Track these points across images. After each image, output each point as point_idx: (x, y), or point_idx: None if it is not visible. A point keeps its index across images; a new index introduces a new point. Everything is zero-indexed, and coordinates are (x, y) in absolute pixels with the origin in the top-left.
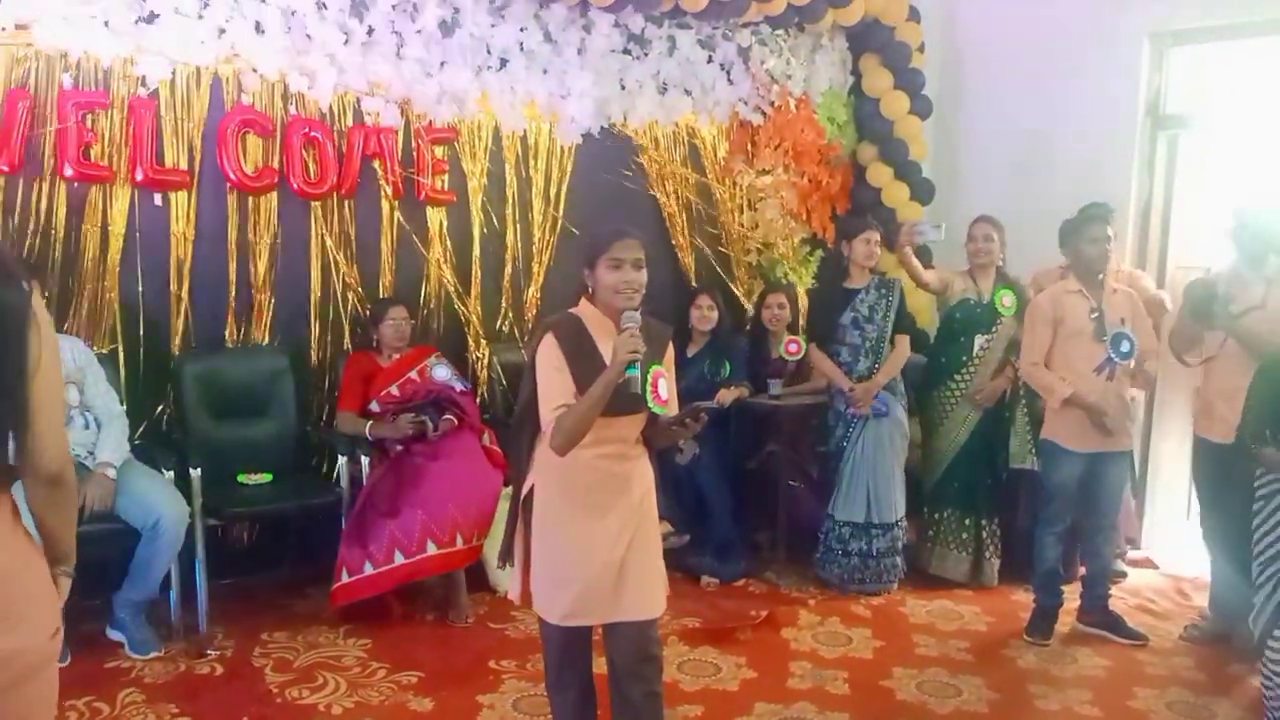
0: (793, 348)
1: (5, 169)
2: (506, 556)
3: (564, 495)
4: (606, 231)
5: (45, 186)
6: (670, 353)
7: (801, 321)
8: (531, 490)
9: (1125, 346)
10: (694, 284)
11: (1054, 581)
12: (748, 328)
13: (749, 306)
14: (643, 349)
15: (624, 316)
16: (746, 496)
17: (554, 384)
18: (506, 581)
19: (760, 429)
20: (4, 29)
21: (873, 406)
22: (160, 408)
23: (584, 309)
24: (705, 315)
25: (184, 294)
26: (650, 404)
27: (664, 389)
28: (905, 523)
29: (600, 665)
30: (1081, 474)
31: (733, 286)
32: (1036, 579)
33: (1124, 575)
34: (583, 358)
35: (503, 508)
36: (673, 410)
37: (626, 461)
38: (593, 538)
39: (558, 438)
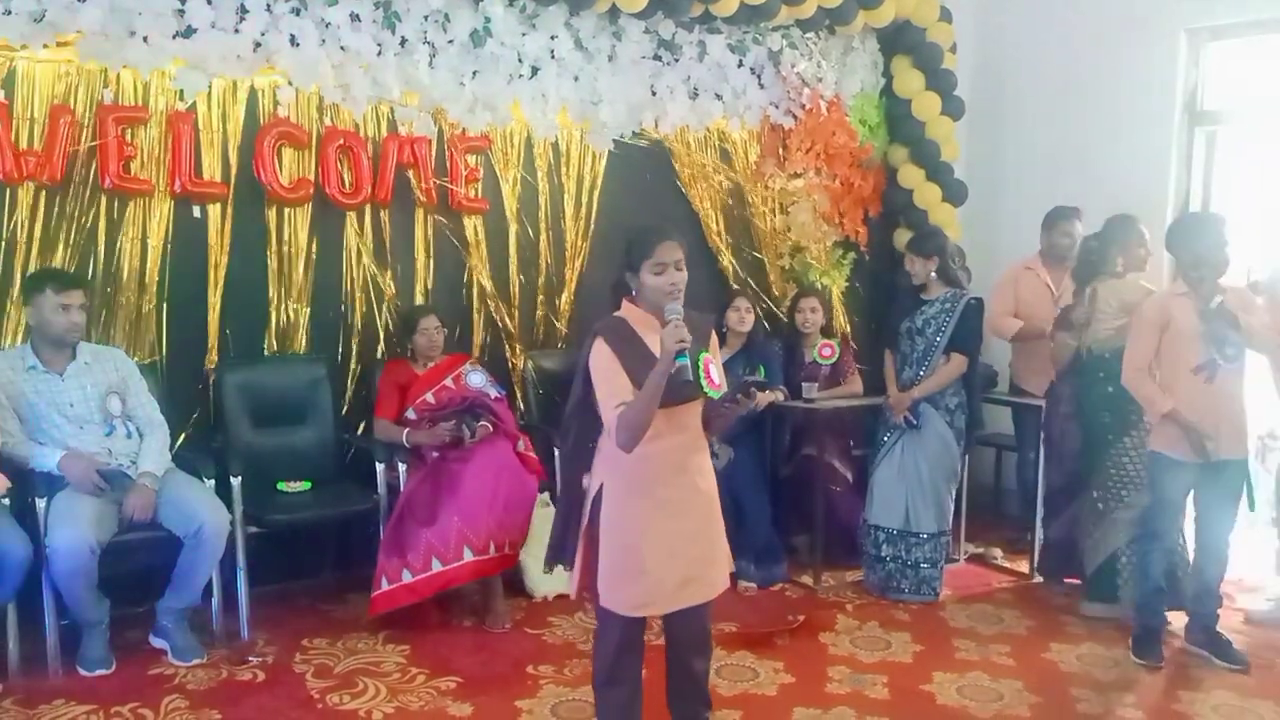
0: (826, 351)
1: (48, 182)
2: (556, 558)
3: (636, 490)
4: (649, 235)
5: (86, 199)
6: (714, 341)
7: (844, 325)
8: (600, 489)
9: (1231, 350)
10: (733, 286)
11: (1159, 601)
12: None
13: (782, 311)
14: (689, 338)
15: (667, 309)
16: (783, 501)
17: (611, 384)
18: (544, 586)
19: (795, 433)
20: (46, 46)
21: (905, 418)
22: (200, 417)
23: (628, 310)
24: (743, 317)
25: (222, 304)
26: (705, 389)
27: (715, 373)
28: (948, 539)
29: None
30: (1192, 486)
31: (764, 291)
32: (1140, 597)
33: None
34: (634, 356)
35: (541, 513)
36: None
37: (694, 452)
38: (666, 531)
39: (622, 434)
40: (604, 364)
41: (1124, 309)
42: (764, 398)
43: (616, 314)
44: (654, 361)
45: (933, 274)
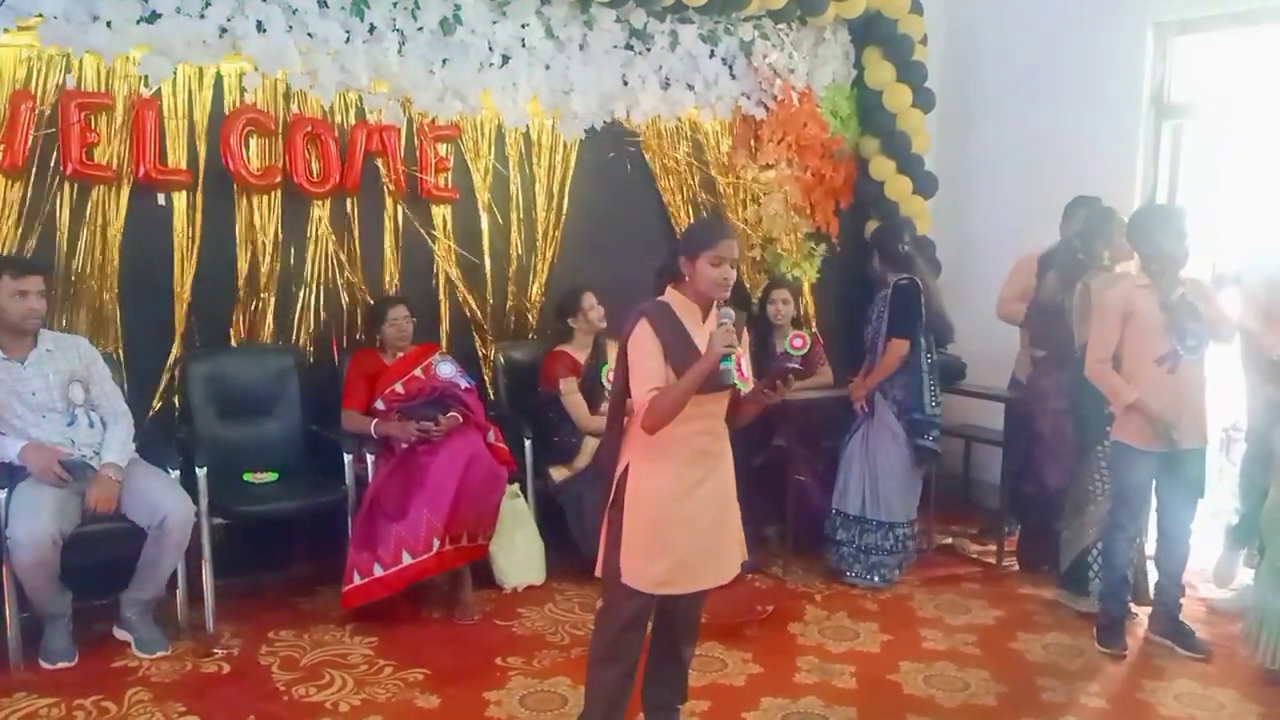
0: (797, 342)
1: (9, 169)
2: (595, 538)
3: (662, 471)
4: (713, 227)
5: (49, 186)
6: (745, 335)
7: (815, 316)
8: (626, 470)
9: (1192, 342)
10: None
11: (1123, 590)
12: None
13: (754, 302)
14: (737, 344)
15: (721, 313)
16: (753, 491)
17: (649, 367)
18: (513, 578)
19: (766, 424)
20: (7, 31)
21: (861, 406)
22: (165, 406)
23: (673, 296)
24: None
25: (188, 293)
26: (737, 383)
27: (746, 368)
28: (913, 529)
29: None
30: (1155, 475)
31: (740, 283)
32: (1104, 586)
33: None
34: (676, 342)
35: (510, 504)
36: (752, 386)
37: (717, 439)
38: (689, 511)
39: (650, 417)
40: (645, 346)
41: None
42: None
43: (661, 299)
44: (692, 349)
45: (874, 265)
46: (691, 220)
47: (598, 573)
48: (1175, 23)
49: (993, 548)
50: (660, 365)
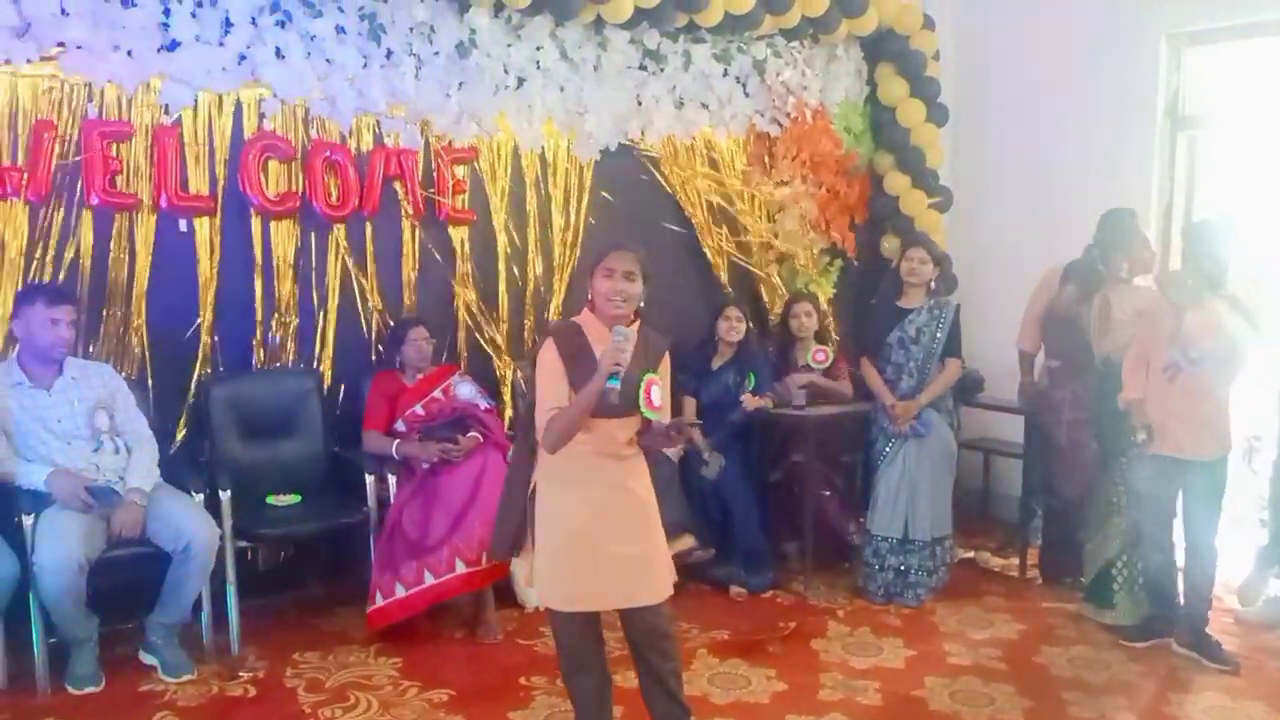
0: (819, 356)
1: (33, 199)
2: (510, 547)
3: (563, 491)
4: (606, 244)
5: (73, 215)
6: (666, 363)
7: (833, 331)
8: (533, 489)
9: (1194, 354)
10: (725, 295)
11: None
12: (772, 337)
13: (773, 317)
14: (625, 361)
15: (614, 330)
16: (772, 507)
17: (549, 388)
18: (535, 598)
19: (785, 440)
20: (30, 61)
21: (912, 426)
22: (188, 431)
23: (585, 317)
24: (734, 327)
25: (210, 318)
26: (643, 409)
27: (656, 396)
28: (950, 542)
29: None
30: (1174, 485)
31: (753, 300)
32: (1187, 607)
33: None
34: (579, 364)
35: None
36: (665, 417)
37: (621, 460)
38: (590, 530)
39: (548, 438)
40: (548, 367)
41: (1140, 315)
42: (753, 401)
43: (574, 319)
44: (595, 370)
45: (931, 283)
46: (709, 239)
47: (521, 582)
48: (1188, 34)
49: (1015, 561)
50: (562, 386)
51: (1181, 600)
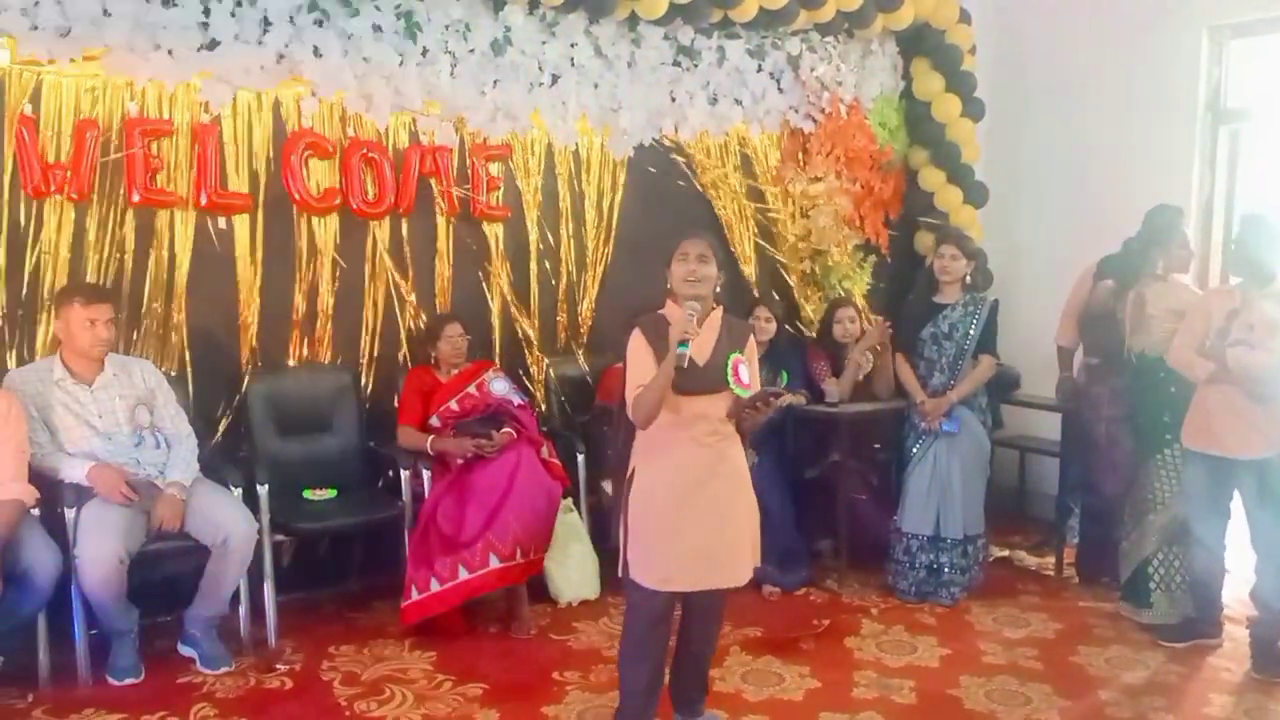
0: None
1: (75, 196)
2: (617, 537)
3: (661, 472)
4: (682, 235)
5: (114, 212)
6: (751, 344)
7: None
8: (632, 472)
9: (1233, 337)
10: (755, 294)
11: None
12: (812, 340)
13: (808, 316)
14: (695, 331)
15: (686, 304)
16: (808, 505)
17: (638, 369)
18: (568, 593)
19: (819, 438)
20: (72, 61)
21: (943, 424)
22: (227, 426)
23: (668, 309)
24: (763, 326)
25: (249, 314)
26: (731, 385)
27: (744, 374)
28: (984, 541)
29: None
30: (1217, 483)
31: (785, 296)
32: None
33: None
34: (665, 347)
35: (565, 519)
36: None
37: (717, 439)
38: (690, 512)
39: (637, 413)
40: (636, 353)
41: (1175, 314)
42: (786, 397)
43: (659, 311)
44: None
45: (966, 277)
46: (742, 235)
47: (619, 572)
48: (1229, 26)
49: (1051, 560)
50: (649, 367)
51: (1252, 614)
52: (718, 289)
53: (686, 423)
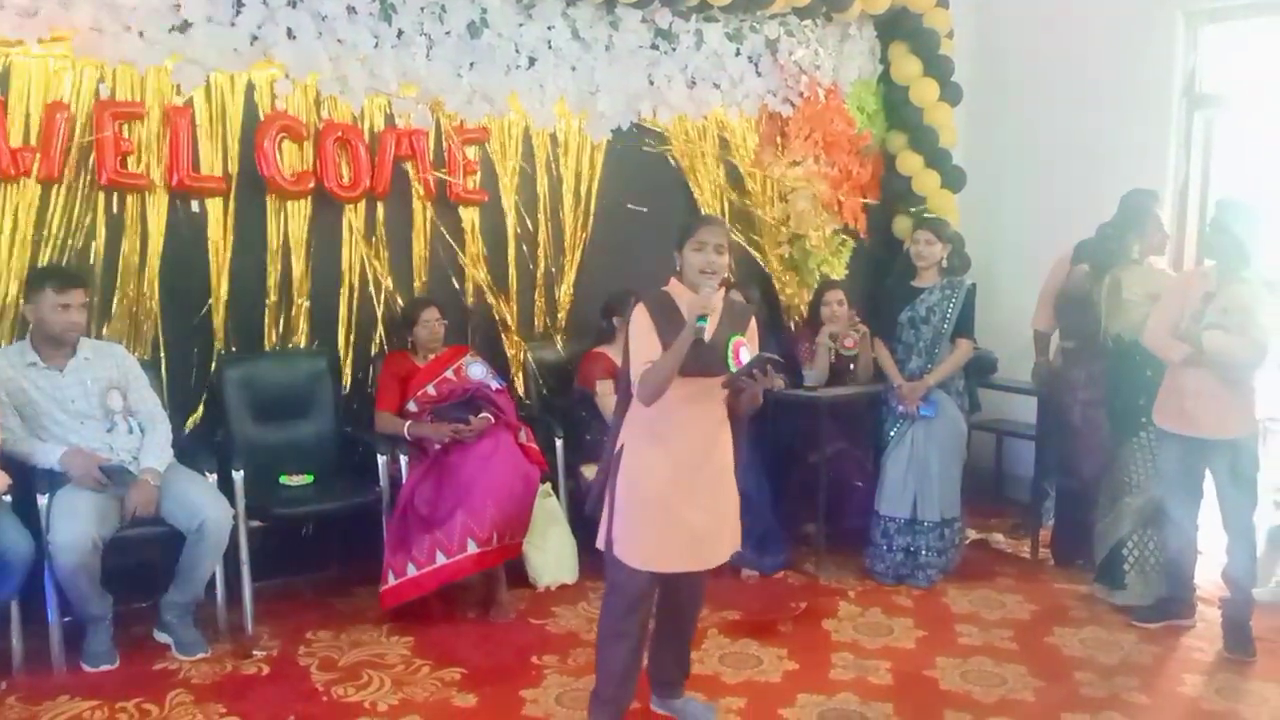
0: (848, 343)
1: (46, 179)
2: (595, 509)
3: (655, 453)
4: (696, 218)
5: (84, 195)
6: (753, 327)
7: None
8: (621, 448)
9: (1206, 320)
10: (733, 278)
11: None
12: (793, 323)
13: (786, 300)
14: (716, 307)
15: (702, 284)
16: (791, 489)
17: (643, 344)
18: (546, 577)
19: (807, 422)
20: (41, 42)
21: (920, 407)
22: (202, 411)
23: (673, 287)
24: None
25: (223, 298)
26: (732, 368)
27: (745, 355)
28: (961, 524)
29: None
30: (1189, 463)
31: (763, 280)
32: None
33: None
34: (669, 324)
35: (543, 504)
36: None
37: (714, 425)
38: (680, 492)
39: (643, 390)
40: (640, 327)
41: (1151, 298)
42: (778, 382)
43: (662, 288)
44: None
45: (943, 261)
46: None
47: (598, 543)
48: (1205, 11)
49: (1027, 542)
50: (654, 343)
51: (1224, 594)
52: (728, 275)
53: (690, 403)
